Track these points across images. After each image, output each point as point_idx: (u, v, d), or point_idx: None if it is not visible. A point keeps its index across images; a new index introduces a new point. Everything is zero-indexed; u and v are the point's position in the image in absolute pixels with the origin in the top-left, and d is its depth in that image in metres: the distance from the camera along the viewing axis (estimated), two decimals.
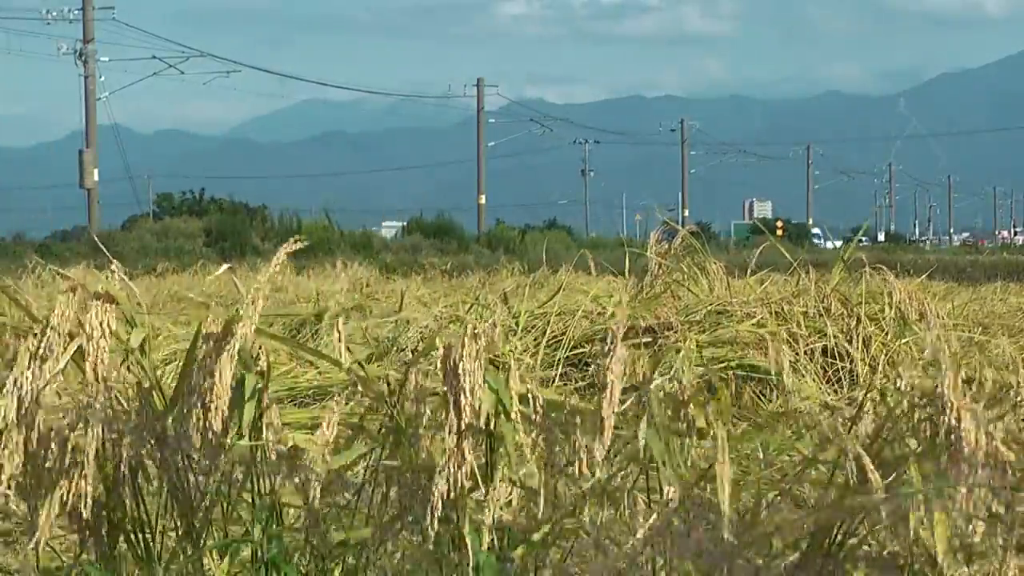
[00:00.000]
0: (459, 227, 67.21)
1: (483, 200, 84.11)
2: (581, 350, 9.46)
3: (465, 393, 3.38)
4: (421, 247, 56.63)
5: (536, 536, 3.51)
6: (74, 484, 3.52)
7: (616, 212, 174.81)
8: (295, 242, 3.82)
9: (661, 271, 10.67)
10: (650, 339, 9.17)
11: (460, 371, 3.39)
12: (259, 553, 3.69)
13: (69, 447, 3.55)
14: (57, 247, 50.37)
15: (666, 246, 10.93)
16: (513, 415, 3.51)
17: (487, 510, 3.45)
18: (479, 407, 3.39)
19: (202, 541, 3.71)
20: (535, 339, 9.53)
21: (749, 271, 11.31)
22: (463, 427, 3.39)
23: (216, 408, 3.52)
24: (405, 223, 71.64)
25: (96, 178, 60.19)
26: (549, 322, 9.64)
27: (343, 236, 57.50)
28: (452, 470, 3.38)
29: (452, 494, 3.41)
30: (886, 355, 9.17)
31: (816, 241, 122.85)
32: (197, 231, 57.53)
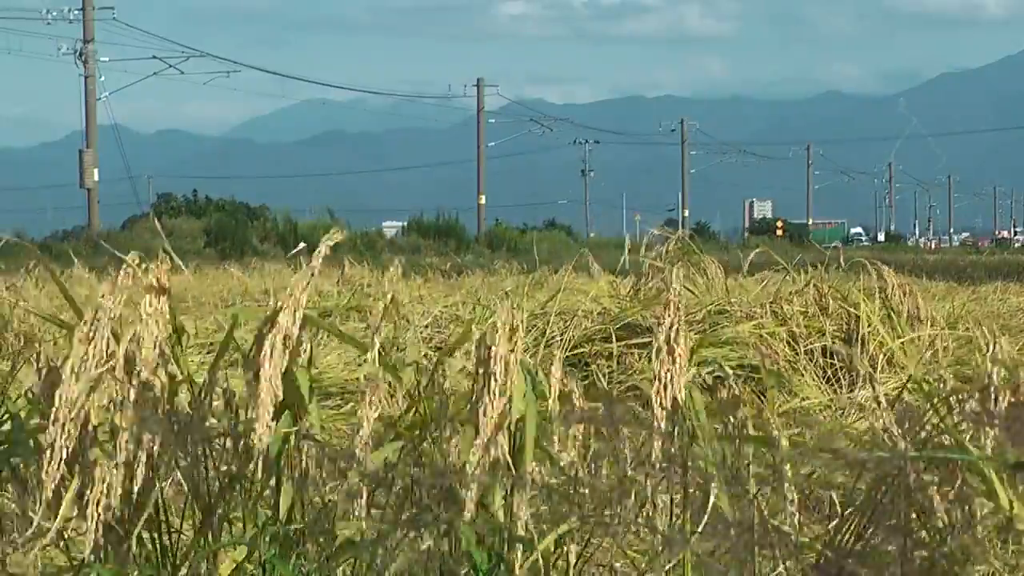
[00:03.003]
0: (459, 227, 67.21)
1: (483, 200, 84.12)
2: (581, 350, 9.47)
3: (496, 380, 3.40)
4: (421, 247, 56.65)
5: (563, 528, 3.53)
6: (107, 478, 3.55)
7: (616, 212, 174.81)
8: (335, 234, 3.85)
9: (657, 273, 10.70)
10: (649, 339, 9.18)
11: (493, 359, 3.41)
12: (258, 553, 3.70)
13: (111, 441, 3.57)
14: (57, 247, 50.39)
15: (661, 249, 10.96)
16: (552, 404, 3.55)
17: (517, 502, 3.47)
18: (509, 397, 3.42)
19: (218, 537, 3.73)
20: (535, 339, 9.54)
21: (744, 270, 11.34)
22: (494, 418, 3.40)
23: (268, 400, 3.54)
24: (405, 223, 71.69)
25: (96, 178, 60.21)
26: (549, 322, 9.65)
27: (349, 237, 57.52)
28: (482, 461, 3.38)
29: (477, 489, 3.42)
30: (884, 354, 9.18)
31: (857, 240, 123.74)
32: (197, 231, 57.57)
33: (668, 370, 3.45)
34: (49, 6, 64.00)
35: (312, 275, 3.72)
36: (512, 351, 3.44)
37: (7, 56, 70.03)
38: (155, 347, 3.62)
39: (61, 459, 3.49)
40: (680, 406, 3.50)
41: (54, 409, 3.50)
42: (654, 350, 3.46)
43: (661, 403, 3.42)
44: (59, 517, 3.53)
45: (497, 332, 3.43)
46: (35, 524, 3.56)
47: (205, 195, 68.77)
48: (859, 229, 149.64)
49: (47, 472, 3.49)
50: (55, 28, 64.89)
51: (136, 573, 3.67)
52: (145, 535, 3.74)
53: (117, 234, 56.41)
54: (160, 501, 3.74)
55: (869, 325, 9.44)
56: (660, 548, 3.19)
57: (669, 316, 3.46)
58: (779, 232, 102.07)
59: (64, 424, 3.50)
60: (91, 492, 3.53)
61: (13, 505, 3.89)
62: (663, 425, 3.39)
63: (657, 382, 3.43)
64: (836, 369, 9.15)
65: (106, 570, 3.67)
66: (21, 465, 3.87)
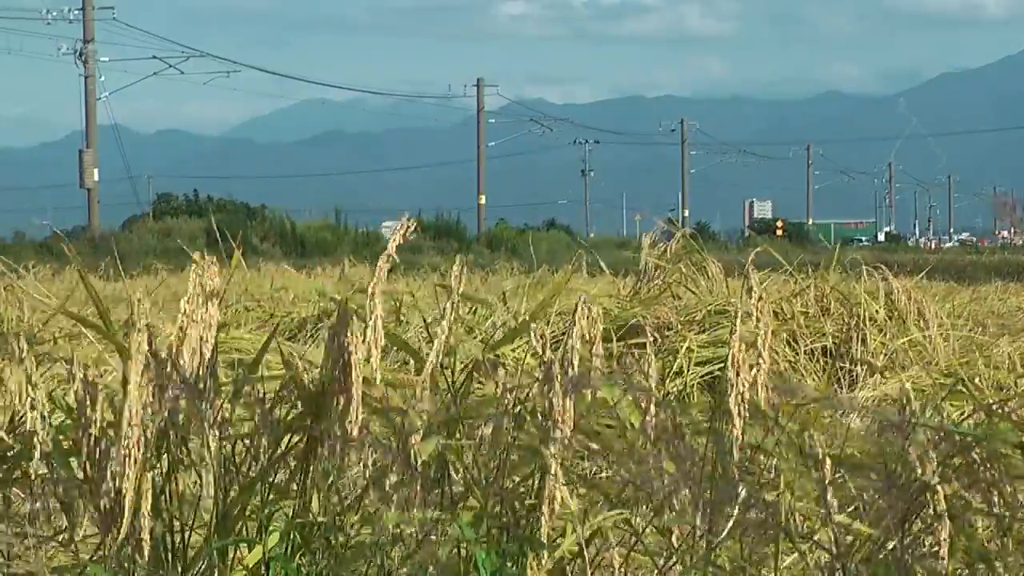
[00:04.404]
0: (459, 227, 67.17)
1: (483, 200, 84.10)
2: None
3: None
4: (422, 247, 56.63)
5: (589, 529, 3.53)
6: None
7: (616, 212, 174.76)
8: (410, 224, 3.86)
9: (658, 272, 10.69)
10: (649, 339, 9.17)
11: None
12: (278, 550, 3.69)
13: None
14: (57, 247, 50.34)
15: (663, 247, 10.96)
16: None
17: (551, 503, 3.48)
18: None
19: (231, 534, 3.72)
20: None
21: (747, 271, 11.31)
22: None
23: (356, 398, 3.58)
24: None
25: (96, 178, 60.19)
26: (549, 322, 9.63)
27: (351, 236, 57.53)
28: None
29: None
30: (885, 355, 9.17)
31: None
32: (197, 231, 57.52)
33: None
34: (49, 6, 64.02)
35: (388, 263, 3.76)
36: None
37: (7, 56, 70.06)
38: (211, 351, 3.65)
39: (132, 471, 3.53)
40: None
41: (123, 426, 3.52)
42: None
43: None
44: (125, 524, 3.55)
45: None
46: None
47: (206, 195, 68.73)
48: (889, 228, 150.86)
49: (112, 481, 3.52)
50: (55, 28, 64.88)
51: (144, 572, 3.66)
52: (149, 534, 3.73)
53: (117, 234, 56.39)
54: (172, 499, 3.73)
55: (876, 324, 9.43)
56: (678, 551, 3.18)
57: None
58: (779, 232, 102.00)
59: (130, 441, 3.53)
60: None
61: (27, 505, 3.88)
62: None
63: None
64: (837, 369, 9.15)
65: (101, 569, 3.66)
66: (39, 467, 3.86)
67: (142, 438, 3.53)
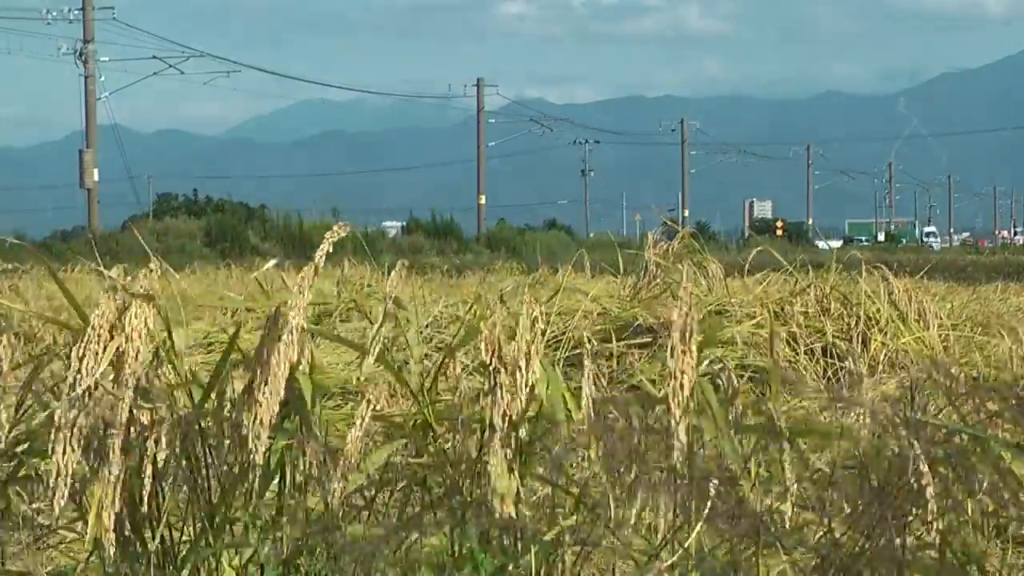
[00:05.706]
0: (457, 228, 67.23)
1: (483, 200, 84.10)
2: (581, 350, 9.45)
3: (519, 375, 3.37)
4: (422, 247, 56.62)
5: (552, 533, 3.51)
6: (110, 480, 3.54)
7: (616, 212, 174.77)
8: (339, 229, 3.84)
9: (659, 271, 10.69)
10: (649, 339, 9.18)
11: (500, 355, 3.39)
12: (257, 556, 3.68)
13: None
14: (57, 247, 50.36)
15: (664, 247, 10.95)
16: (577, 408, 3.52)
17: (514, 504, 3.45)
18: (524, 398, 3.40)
19: (220, 538, 3.71)
20: (534, 339, 9.49)
21: (746, 270, 11.32)
22: (505, 418, 3.37)
23: (269, 401, 3.53)
24: (405, 223, 71.70)
25: (96, 178, 60.19)
26: (549, 322, 9.63)
27: (351, 236, 57.55)
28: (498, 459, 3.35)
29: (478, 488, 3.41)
30: (885, 355, 9.17)
31: (932, 241, 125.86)
32: (197, 231, 57.54)
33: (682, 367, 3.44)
34: (49, 6, 64.00)
35: (314, 273, 3.72)
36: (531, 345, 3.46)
37: (7, 56, 70.03)
38: (137, 355, 3.61)
39: (67, 473, 3.50)
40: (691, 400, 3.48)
41: (55, 423, 3.50)
42: (668, 348, 3.44)
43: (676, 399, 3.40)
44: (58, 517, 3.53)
45: (503, 328, 3.44)
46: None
47: (205, 195, 68.76)
48: (932, 228, 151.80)
49: (54, 481, 3.49)
50: (55, 28, 64.96)
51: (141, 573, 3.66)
52: (147, 535, 3.72)
53: (117, 234, 56.39)
54: (158, 502, 3.72)
55: (876, 324, 9.43)
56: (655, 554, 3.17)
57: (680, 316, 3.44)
58: (779, 232, 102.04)
59: (66, 437, 3.50)
60: (96, 499, 3.53)
61: (23, 506, 3.88)
62: (679, 416, 3.37)
63: (672, 379, 3.40)
64: (837, 369, 9.14)
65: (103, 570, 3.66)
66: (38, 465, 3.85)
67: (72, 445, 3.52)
